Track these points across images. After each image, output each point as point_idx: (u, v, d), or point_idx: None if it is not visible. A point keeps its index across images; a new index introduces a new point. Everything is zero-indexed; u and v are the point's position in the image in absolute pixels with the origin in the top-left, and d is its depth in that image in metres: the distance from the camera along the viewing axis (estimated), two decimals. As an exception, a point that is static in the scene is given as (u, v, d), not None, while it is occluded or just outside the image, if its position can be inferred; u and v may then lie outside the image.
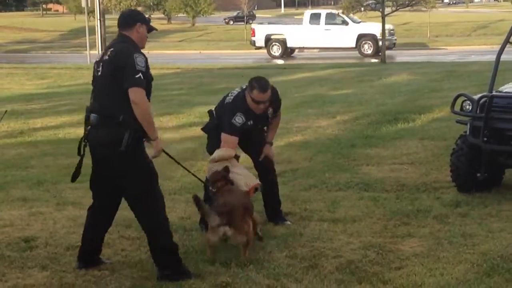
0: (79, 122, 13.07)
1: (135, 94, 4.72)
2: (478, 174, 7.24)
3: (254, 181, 5.93)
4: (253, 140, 6.25)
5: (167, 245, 4.99)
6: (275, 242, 5.72)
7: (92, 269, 5.16)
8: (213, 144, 6.15)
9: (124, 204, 7.19)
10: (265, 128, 6.39)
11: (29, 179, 8.29)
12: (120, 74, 4.75)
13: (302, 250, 5.57)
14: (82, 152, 5.00)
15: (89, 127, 4.93)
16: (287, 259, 5.36)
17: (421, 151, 9.50)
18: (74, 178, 5.13)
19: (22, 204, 7.10)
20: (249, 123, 6.03)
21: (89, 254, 5.23)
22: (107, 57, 4.88)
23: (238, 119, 5.96)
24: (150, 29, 5.09)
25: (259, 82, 6.01)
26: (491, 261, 5.17)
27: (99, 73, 4.93)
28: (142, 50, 4.97)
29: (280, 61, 30.31)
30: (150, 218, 4.97)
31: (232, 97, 6.13)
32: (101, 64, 4.93)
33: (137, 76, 4.72)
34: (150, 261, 5.29)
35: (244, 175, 5.86)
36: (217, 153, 5.91)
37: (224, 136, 5.99)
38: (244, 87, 6.16)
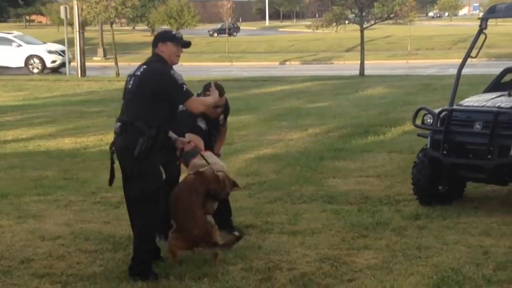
0: (51, 134, 13.08)
1: (193, 105, 5.20)
2: (440, 187, 7.32)
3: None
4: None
5: (144, 251, 5.19)
6: (232, 255, 5.72)
7: (44, 282, 5.15)
8: None
9: (81, 217, 7.19)
10: (212, 138, 6.45)
11: (-6, 192, 8.25)
12: (163, 93, 5.05)
13: (258, 262, 5.59)
14: (113, 161, 5.23)
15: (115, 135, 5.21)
16: (242, 272, 5.38)
17: (388, 164, 9.57)
18: (110, 182, 5.34)
19: (-17, 217, 7.07)
20: (207, 127, 6.17)
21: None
22: (139, 73, 5.16)
23: (202, 124, 6.11)
24: (183, 44, 5.32)
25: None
26: (441, 273, 5.21)
27: (130, 86, 5.20)
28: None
29: (262, 74, 30.36)
30: (141, 222, 5.18)
31: None
32: (132, 78, 5.21)
33: (184, 89, 5.08)
34: (104, 274, 5.32)
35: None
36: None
37: (190, 136, 5.97)
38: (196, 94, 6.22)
